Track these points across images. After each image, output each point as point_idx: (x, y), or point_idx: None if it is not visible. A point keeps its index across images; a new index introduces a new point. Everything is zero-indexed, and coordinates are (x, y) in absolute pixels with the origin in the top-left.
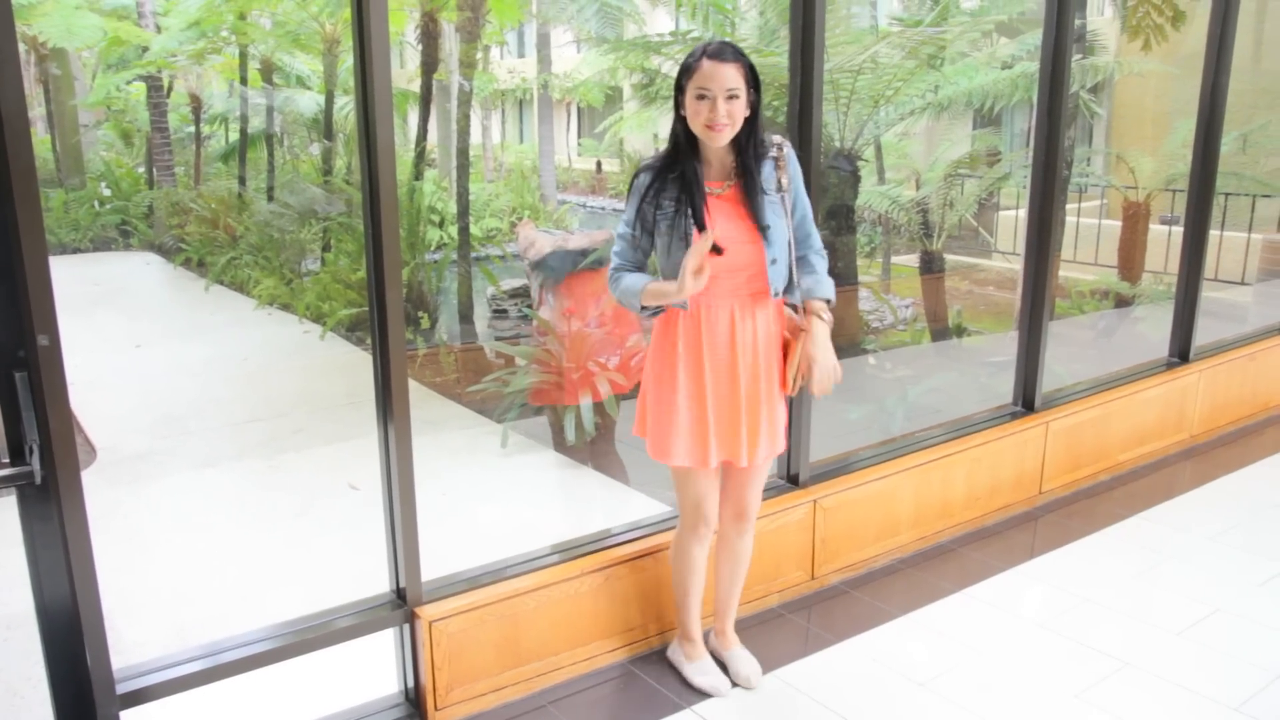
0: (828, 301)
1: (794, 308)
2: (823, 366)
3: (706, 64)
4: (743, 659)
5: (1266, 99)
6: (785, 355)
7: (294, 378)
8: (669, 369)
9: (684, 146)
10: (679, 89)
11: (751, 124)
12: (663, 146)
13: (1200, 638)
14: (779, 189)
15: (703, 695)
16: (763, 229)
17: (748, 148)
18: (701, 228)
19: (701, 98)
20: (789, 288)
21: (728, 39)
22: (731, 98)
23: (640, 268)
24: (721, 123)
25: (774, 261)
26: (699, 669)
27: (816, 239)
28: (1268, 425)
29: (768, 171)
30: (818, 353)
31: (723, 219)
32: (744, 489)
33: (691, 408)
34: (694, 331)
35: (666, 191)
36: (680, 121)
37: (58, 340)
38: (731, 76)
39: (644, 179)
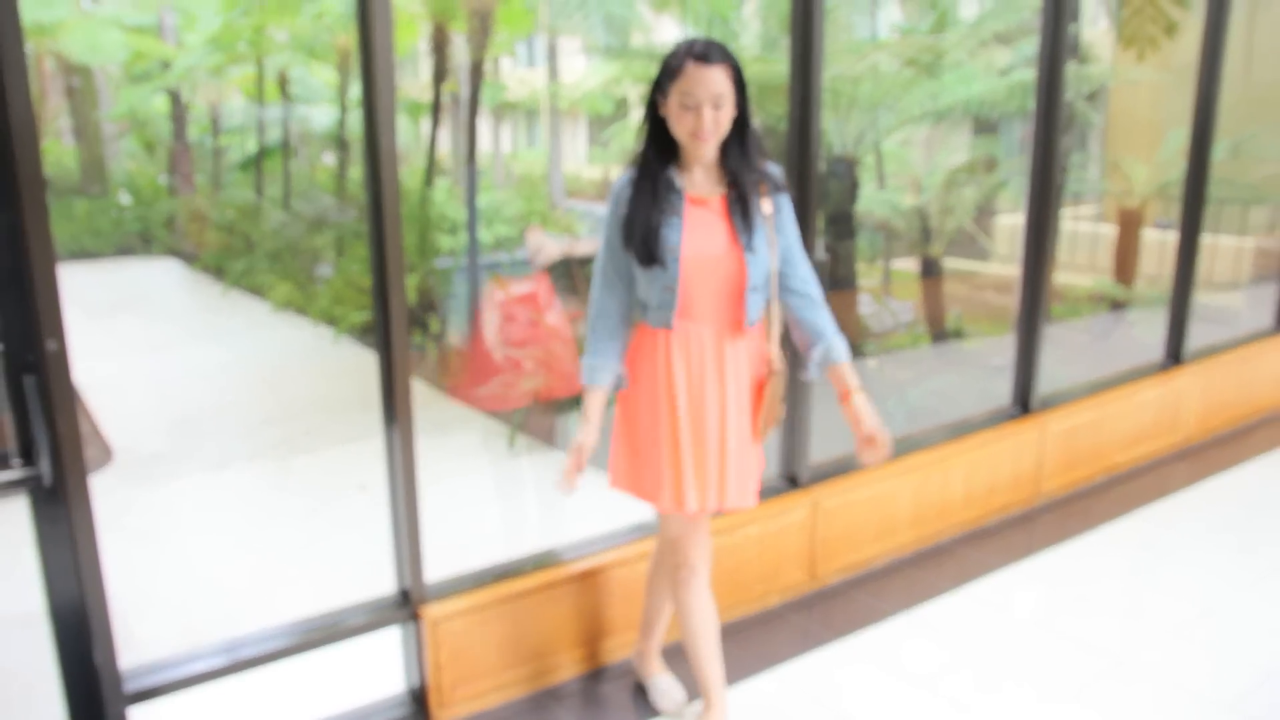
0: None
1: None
2: (881, 435)
3: (691, 68)
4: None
5: (1257, 109)
6: (759, 398)
7: (307, 381)
8: (649, 397)
9: (658, 151)
10: (659, 88)
11: (741, 127)
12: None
13: (1196, 636)
14: (761, 215)
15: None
16: (749, 248)
17: (737, 154)
18: (654, 259)
19: (686, 106)
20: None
21: (714, 40)
22: (718, 106)
23: (628, 289)
24: (708, 132)
25: (754, 289)
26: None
27: (813, 277)
28: (1260, 426)
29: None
30: (871, 422)
31: (704, 231)
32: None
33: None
34: (667, 357)
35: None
36: (656, 123)
37: (66, 345)
38: (718, 80)
39: (625, 191)
